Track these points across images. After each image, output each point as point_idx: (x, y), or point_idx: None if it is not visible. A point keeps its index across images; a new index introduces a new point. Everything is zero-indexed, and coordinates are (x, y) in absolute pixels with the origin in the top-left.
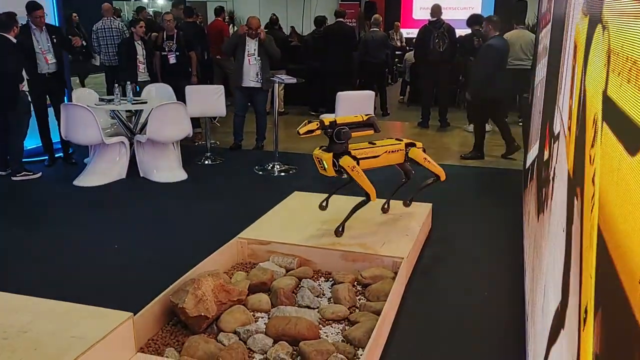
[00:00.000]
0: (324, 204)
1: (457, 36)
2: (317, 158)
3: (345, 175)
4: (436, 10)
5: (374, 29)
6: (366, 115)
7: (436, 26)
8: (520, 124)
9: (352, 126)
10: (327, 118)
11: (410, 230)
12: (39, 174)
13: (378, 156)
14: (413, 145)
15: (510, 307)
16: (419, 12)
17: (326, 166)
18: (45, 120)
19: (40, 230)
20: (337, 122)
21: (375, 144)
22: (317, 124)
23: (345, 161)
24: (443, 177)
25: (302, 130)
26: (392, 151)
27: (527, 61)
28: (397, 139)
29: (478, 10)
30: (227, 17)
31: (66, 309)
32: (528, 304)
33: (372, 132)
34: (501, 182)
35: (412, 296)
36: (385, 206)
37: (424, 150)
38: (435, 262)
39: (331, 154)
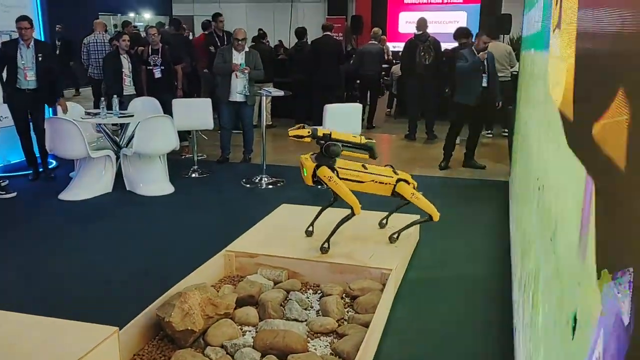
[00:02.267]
0: (310, 229)
1: (443, 49)
2: (301, 163)
3: (321, 186)
4: (422, 23)
5: (372, 42)
6: (366, 139)
7: (422, 39)
8: (504, 134)
9: (347, 145)
10: (322, 129)
11: (398, 241)
12: (14, 194)
13: (362, 182)
14: (405, 181)
15: (499, 319)
16: (404, 26)
17: (306, 173)
18: (28, 135)
19: (24, 245)
20: (332, 137)
21: (366, 168)
22: (309, 132)
23: (323, 171)
24: (436, 218)
25: (292, 132)
26: (380, 182)
27: (504, 71)
28: (393, 171)
29: (463, 25)
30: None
31: (50, 324)
32: (516, 315)
33: (367, 156)
34: (488, 193)
35: (401, 308)
36: (384, 222)
37: (416, 188)
38: (423, 274)
39: (314, 165)
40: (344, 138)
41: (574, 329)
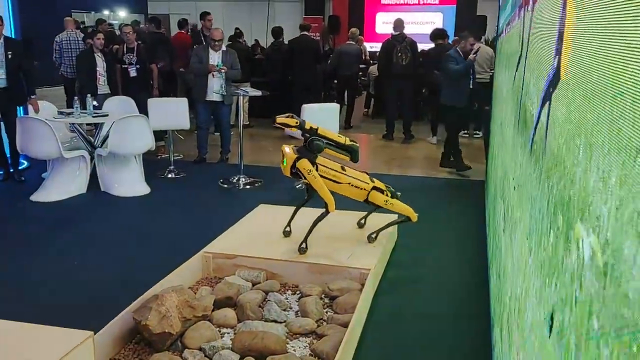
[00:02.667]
0: (287, 229)
1: (420, 50)
2: (283, 152)
3: (298, 185)
4: (399, 24)
5: (349, 42)
6: (351, 140)
7: (399, 40)
8: (476, 135)
9: (330, 143)
10: (310, 123)
11: (376, 241)
12: None
13: (339, 183)
14: (379, 190)
15: (477, 318)
16: (381, 27)
17: (285, 163)
18: None
19: None
20: (318, 132)
21: (345, 170)
22: (297, 122)
23: (303, 164)
24: (414, 219)
25: (280, 120)
26: (356, 186)
27: (484, 74)
28: (370, 178)
29: (439, 26)
30: (190, 30)
31: (22, 329)
32: (494, 313)
33: (348, 158)
34: (465, 192)
35: (380, 307)
36: (362, 221)
37: (395, 196)
38: (402, 273)
39: (295, 156)
40: (330, 136)
41: (550, 327)
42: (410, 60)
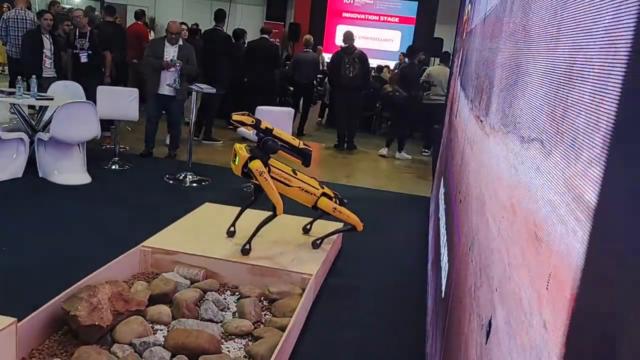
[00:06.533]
0: (231, 229)
1: (372, 65)
2: (235, 151)
3: (246, 187)
4: (348, 36)
5: (306, 50)
6: (304, 144)
7: (347, 52)
8: (424, 153)
9: (284, 145)
10: (266, 123)
11: (320, 248)
12: None
13: (290, 186)
14: (328, 196)
15: (414, 328)
16: (341, 39)
17: (237, 162)
18: None
19: None
20: (273, 133)
21: (296, 174)
22: (252, 121)
23: (255, 164)
24: (360, 228)
25: (236, 117)
26: (306, 191)
27: (444, 97)
28: (320, 185)
29: (397, 44)
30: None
31: None
32: (429, 324)
33: (300, 162)
34: (411, 207)
35: (319, 313)
36: (308, 227)
37: (342, 204)
38: (343, 281)
39: (247, 156)
40: (284, 138)
41: (488, 333)
42: (358, 72)
